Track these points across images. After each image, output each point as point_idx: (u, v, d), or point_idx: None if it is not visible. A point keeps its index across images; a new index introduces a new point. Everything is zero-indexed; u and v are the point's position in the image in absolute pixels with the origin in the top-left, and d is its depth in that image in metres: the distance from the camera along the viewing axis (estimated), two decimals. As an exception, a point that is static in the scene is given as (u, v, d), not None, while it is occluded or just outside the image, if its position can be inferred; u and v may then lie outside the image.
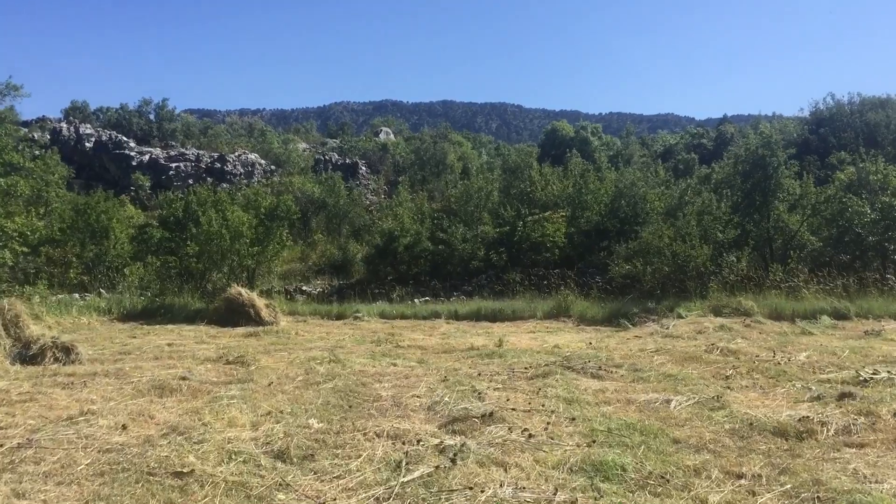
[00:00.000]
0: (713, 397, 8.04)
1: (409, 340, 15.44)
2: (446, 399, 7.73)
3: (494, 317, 21.42)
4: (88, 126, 54.97)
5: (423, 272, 29.26)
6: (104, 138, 52.77)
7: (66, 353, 10.88)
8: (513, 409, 7.28)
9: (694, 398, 8.02)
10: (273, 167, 55.73)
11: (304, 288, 28.77)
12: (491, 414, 6.82)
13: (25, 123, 54.88)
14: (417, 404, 7.73)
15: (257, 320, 18.98)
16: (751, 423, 6.82)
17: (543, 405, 7.65)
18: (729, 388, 8.79)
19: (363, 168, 58.43)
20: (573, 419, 7.05)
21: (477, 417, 6.71)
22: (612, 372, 10.15)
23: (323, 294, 27.18)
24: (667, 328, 17.17)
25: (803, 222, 24.78)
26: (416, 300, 25.76)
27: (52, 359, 10.66)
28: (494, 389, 8.63)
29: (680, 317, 19.54)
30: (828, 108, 49.66)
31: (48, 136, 50.30)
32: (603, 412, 7.44)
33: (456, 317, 21.61)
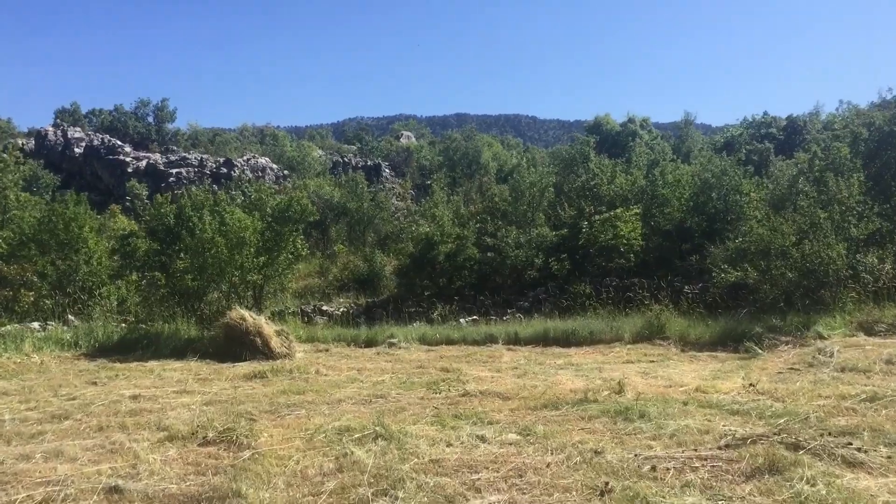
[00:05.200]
0: None
1: (475, 381, 11.55)
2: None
3: (567, 341, 17.71)
4: (78, 130, 51.45)
5: (468, 286, 25.22)
6: (96, 143, 49.21)
7: (-54, 428, 6.97)
8: None
9: None
10: (286, 172, 52.00)
11: (324, 308, 24.86)
12: None
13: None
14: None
15: (265, 353, 15.35)
16: None
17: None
18: None
19: (387, 171, 54.55)
20: None
21: None
22: (866, 451, 6.06)
23: (348, 315, 23.28)
24: (829, 355, 13.01)
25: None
26: (461, 320, 21.91)
27: (-82, 440, 6.75)
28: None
29: (821, 337, 15.60)
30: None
31: (32, 143, 46.97)
32: None
33: (517, 341, 18.02)
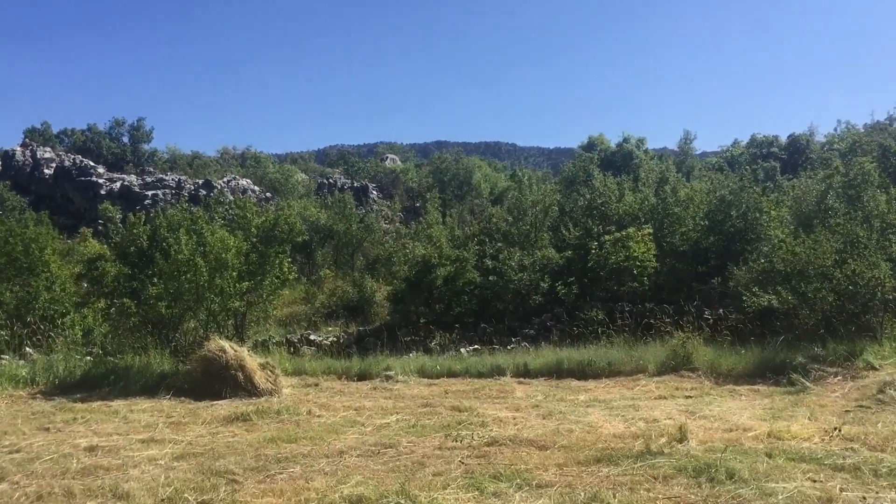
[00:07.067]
0: None
1: (496, 424, 10.05)
2: None
3: (583, 373, 16.18)
4: (48, 150, 49.65)
5: (468, 312, 23.64)
6: (67, 164, 47.46)
7: None
8: None
9: None
10: (268, 194, 50.43)
11: (311, 337, 23.20)
12: None
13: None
14: None
15: (248, 389, 13.78)
16: None
17: None
18: None
19: (374, 192, 53.11)
20: None
21: None
22: None
23: (337, 344, 21.67)
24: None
25: None
26: (462, 350, 20.38)
27: None
28: None
29: (872, 367, 14.23)
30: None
31: (-1, 163, 45.27)
32: None
33: (527, 373, 16.49)
